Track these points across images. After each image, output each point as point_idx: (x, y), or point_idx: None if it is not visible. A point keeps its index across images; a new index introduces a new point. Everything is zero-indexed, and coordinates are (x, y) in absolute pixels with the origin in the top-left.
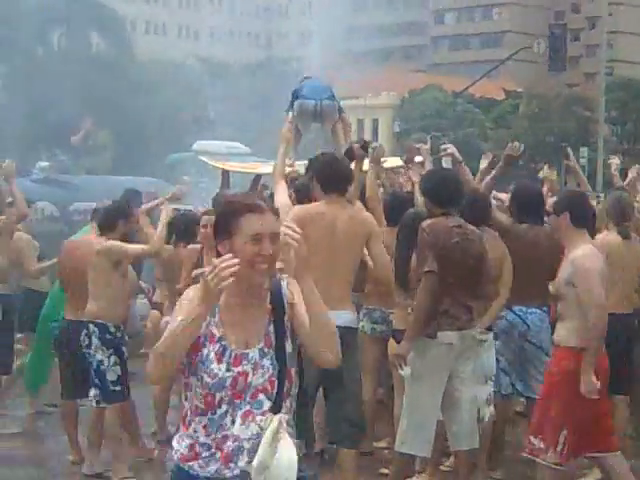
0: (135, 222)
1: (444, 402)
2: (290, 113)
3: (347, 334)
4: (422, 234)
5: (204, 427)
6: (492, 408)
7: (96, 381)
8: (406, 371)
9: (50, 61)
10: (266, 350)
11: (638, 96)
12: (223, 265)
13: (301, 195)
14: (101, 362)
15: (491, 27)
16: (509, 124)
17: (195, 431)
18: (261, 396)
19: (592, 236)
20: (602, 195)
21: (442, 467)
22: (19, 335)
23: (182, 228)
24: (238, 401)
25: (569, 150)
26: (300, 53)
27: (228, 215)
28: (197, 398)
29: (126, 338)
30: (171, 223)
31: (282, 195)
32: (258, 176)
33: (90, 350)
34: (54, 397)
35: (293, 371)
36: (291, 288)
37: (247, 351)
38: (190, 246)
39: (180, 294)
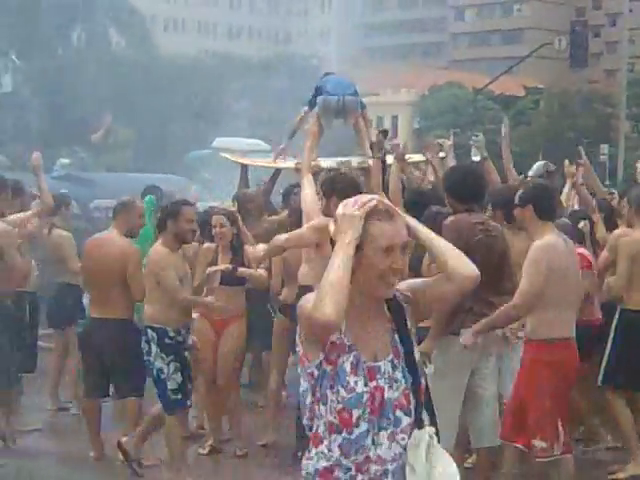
0: (186, 221)
1: (466, 399)
2: (307, 107)
3: None
4: (445, 231)
5: (340, 447)
6: None
7: (158, 391)
8: (430, 369)
9: (70, 58)
10: (396, 362)
11: None
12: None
13: (327, 189)
14: (161, 370)
15: (511, 23)
16: (529, 121)
17: (330, 450)
18: (398, 412)
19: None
20: (616, 192)
21: (464, 464)
22: (46, 332)
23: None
24: (377, 419)
25: (581, 149)
26: (319, 50)
27: None
28: (332, 413)
29: (189, 341)
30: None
31: (309, 188)
32: (277, 171)
33: (150, 357)
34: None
35: (424, 380)
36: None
37: (378, 364)
38: (206, 245)
39: (197, 293)
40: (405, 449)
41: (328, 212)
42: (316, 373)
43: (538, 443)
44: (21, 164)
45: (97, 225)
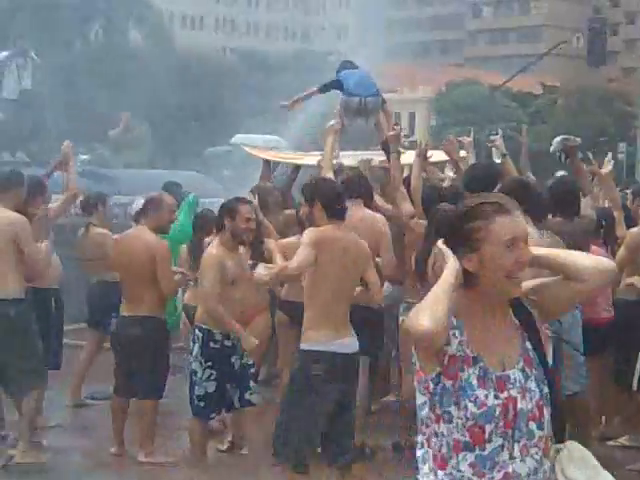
0: (244, 220)
1: None
2: (316, 88)
3: (353, 361)
4: None
5: (471, 465)
6: None
7: (189, 390)
8: None
9: (88, 55)
10: (527, 370)
11: None
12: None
13: (309, 195)
14: (195, 372)
15: (529, 21)
16: (546, 119)
17: (459, 470)
18: (531, 424)
19: (539, 220)
20: (629, 191)
21: None
22: (76, 326)
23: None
24: (511, 432)
25: (590, 155)
26: (337, 47)
27: (471, 222)
28: (459, 431)
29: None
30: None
31: None
32: (297, 167)
33: (190, 356)
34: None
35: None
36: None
37: (507, 373)
38: None
39: None
40: (539, 463)
41: (312, 219)
42: (432, 387)
43: None
44: (39, 160)
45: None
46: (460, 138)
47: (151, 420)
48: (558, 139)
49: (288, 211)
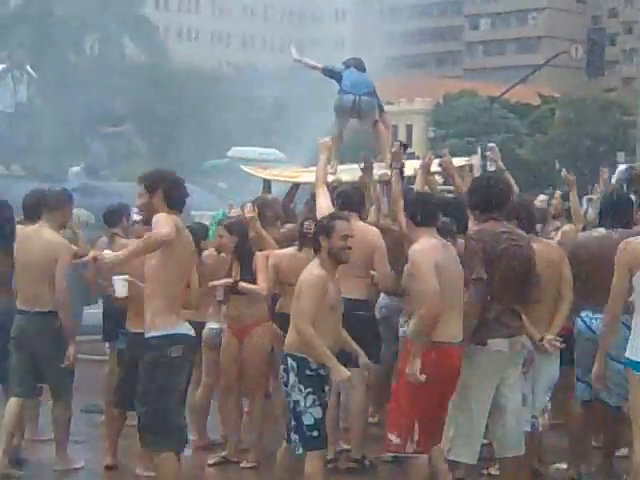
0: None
1: (490, 408)
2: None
3: None
4: (469, 241)
5: None
6: (546, 417)
7: (293, 423)
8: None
9: (84, 68)
10: None
11: None
12: None
13: (343, 202)
14: (297, 403)
15: (527, 32)
16: (545, 130)
17: None
18: None
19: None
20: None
21: (492, 470)
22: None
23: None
24: None
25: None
26: (333, 59)
27: None
28: None
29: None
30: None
31: (325, 201)
32: (296, 185)
33: (287, 388)
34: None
35: None
36: None
37: None
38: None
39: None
40: None
41: (152, 208)
42: None
43: (393, 438)
44: (34, 173)
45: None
46: (468, 159)
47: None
48: (622, 168)
49: (289, 225)
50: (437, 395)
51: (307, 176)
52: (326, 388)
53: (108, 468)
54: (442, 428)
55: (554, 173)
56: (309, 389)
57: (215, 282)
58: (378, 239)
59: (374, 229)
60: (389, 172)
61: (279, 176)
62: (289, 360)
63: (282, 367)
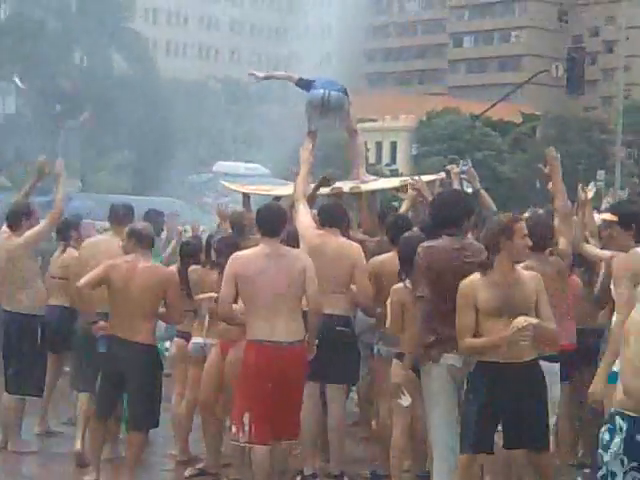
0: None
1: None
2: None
3: None
4: (417, 257)
5: None
6: (551, 437)
7: None
8: (405, 400)
9: (72, 81)
10: None
11: None
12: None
13: (324, 218)
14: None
15: (509, 50)
16: (526, 147)
17: None
18: None
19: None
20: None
21: None
22: None
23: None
24: None
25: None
26: (320, 74)
27: None
28: None
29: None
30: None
31: (305, 216)
32: (276, 199)
33: (605, 454)
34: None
35: None
36: None
37: None
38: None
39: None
40: None
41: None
42: None
43: (232, 426)
44: (22, 185)
45: None
46: (448, 167)
47: (140, 451)
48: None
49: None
50: (261, 389)
51: (283, 189)
52: None
53: None
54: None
55: (535, 191)
56: (634, 463)
57: (200, 296)
58: (359, 255)
59: (355, 244)
60: (361, 185)
61: (257, 191)
62: (618, 419)
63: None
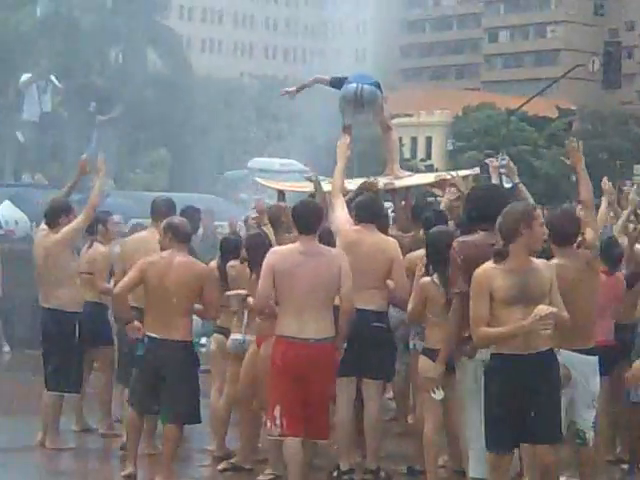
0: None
1: None
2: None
3: None
4: (452, 253)
5: None
6: (592, 433)
7: None
8: (438, 394)
9: (108, 79)
10: None
11: None
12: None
13: (360, 214)
14: None
15: (545, 45)
16: (562, 142)
17: None
18: None
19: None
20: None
21: None
22: None
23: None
24: None
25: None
26: (354, 71)
27: None
28: None
29: None
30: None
31: (341, 211)
32: (312, 195)
33: None
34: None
35: None
36: None
37: None
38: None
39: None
40: None
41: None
42: None
43: (268, 422)
44: (58, 183)
45: None
46: (487, 161)
47: (176, 445)
48: None
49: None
50: (289, 385)
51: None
52: None
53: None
54: (309, 423)
55: (572, 185)
56: None
57: (229, 292)
58: (396, 250)
59: (392, 240)
60: (395, 181)
61: (291, 188)
62: None
63: None
